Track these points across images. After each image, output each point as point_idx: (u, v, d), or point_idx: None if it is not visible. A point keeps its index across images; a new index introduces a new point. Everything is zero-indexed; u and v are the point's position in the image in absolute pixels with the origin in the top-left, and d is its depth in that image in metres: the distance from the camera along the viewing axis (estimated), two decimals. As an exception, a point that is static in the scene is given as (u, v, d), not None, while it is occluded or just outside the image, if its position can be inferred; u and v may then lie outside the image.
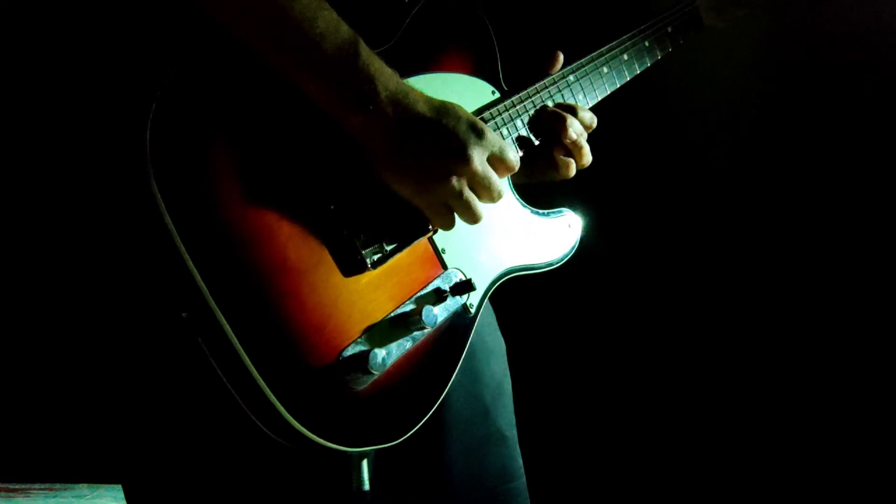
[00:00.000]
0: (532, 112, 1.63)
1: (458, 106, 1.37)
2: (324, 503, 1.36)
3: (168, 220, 1.11)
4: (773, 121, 2.62)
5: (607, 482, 3.11)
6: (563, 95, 1.70)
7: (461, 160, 1.32)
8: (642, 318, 3.07)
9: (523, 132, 1.61)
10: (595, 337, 3.10)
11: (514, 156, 1.41)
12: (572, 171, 1.65)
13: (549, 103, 1.66)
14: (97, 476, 3.12)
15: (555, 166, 1.64)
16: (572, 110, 1.64)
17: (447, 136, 1.32)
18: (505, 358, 1.78)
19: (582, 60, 1.76)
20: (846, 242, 2.70)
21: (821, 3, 2.46)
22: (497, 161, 1.39)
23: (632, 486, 3.09)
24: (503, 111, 1.58)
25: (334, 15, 1.25)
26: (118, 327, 1.29)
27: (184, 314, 1.14)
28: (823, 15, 2.44)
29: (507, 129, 1.58)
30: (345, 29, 1.26)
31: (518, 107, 1.61)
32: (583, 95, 1.74)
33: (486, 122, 1.53)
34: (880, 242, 2.64)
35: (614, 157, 1.87)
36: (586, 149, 1.63)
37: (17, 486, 3.22)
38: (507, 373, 1.76)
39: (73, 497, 3.16)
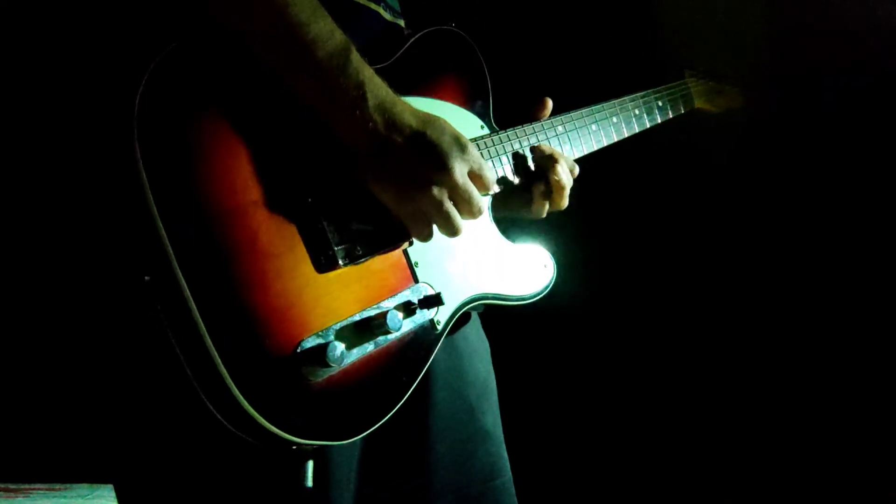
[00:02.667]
0: (520, 150, 1.58)
1: (444, 120, 1.32)
2: (266, 498, 1.25)
3: (145, 180, 1.06)
4: (770, 122, 2.52)
5: (594, 479, 2.96)
6: (549, 143, 1.64)
7: (442, 170, 1.27)
8: (631, 317, 2.95)
9: (508, 170, 1.55)
10: (581, 336, 2.98)
11: (491, 175, 1.35)
12: (544, 212, 1.59)
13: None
14: (97, 476, 3.00)
15: (529, 203, 1.58)
16: (559, 156, 1.59)
17: (430, 146, 1.27)
18: (489, 357, 1.69)
19: (572, 113, 1.71)
20: (846, 243, 2.56)
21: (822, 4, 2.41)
22: (476, 178, 1.33)
23: (619, 484, 2.94)
24: (490, 145, 1.53)
25: (330, 22, 1.22)
26: (89, 296, 1.22)
27: (147, 277, 1.07)
28: (825, 17, 2.38)
29: (492, 162, 1.53)
30: (339, 36, 1.22)
31: (505, 144, 1.56)
32: (569, 147, 1.68)
33: None
34: (880, 242, 2.51)
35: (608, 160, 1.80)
36: (567, 192, 1.57)
37: (17, 486, 3.11)
38: (492, 372, 1.68)
39: (73, 497, 3.04)
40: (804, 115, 2.50)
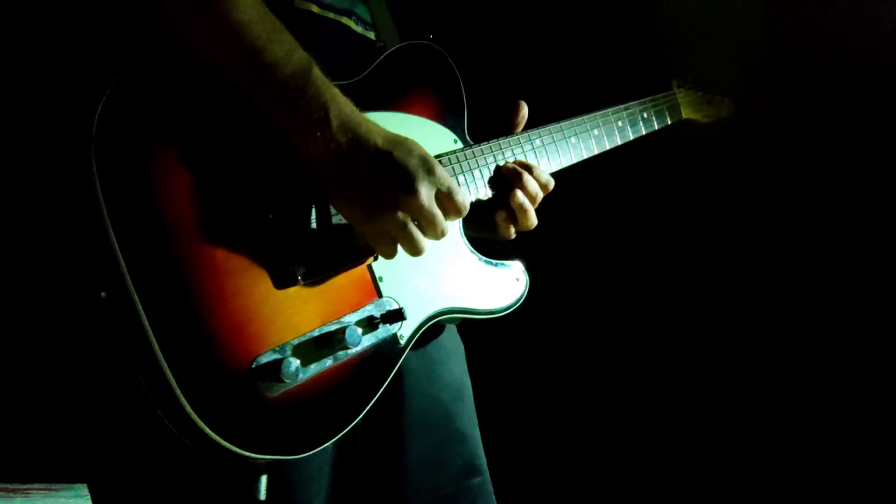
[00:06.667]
0: (492, 166, 1.57)
1: (413, 141, 1.31)
2: None
3: (101, 197, 1.08)
4: (765, 123, 2.49)
5: (575, 478, 2.96)
6: (525, 157, 1.63)
7: (408, 193, 1.26)
8: (613, 316, 2.93)
9: (480, 185, 1.54)
10: (560, 337, 2.98)
11: (462, 198, 1.34)
12: (512, 234, 1.57)
13: (510, 161, 1.60)
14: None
15: (494, 226, 1.56)
16: (529, 169, 1.57)
17: (396, 168, 1.26)
18: (464, 359, 1.70)
19: (551, 126, 1.70)
20: (846, 243, 2.54)
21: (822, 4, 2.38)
22: (445, 199, 1.32)
23: (600, 483, 2.93)
24: (462, 160, 1.53)
25: (288, 44, 1.22)
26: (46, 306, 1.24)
27: (103, 294, 1.09)
28: (824, 16, 2.35)
29: (465, 177, 1.52)
30: (297, 58, 1.22)
31: (479, 158, 1.55)
32: (546, 160, 1.67)
33: (442, 165, 1.47)
34: (880, 242, 2.48)
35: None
36: (531, 213, 1.54)
37: (16, 486, 3.12)
38: (467, 373, 1.69)
39: (72, 497, 3.06)
40: (800, 115, 2.47)
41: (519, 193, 1.52)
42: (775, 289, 2.67)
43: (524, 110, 1.66)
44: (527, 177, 1.54)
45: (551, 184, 1.60)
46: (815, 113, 2.44)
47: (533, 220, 1.55)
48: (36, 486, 3.10)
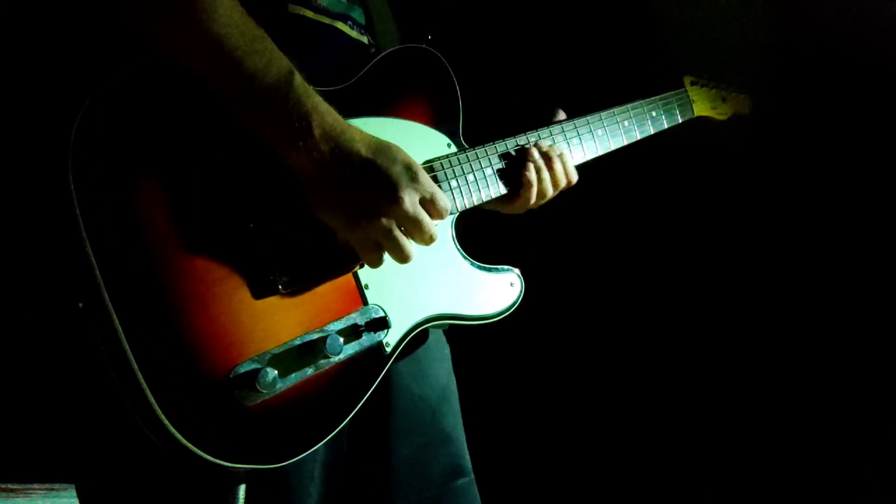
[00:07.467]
0: (487, 170, 1.55)
1: (397, 147, 1.30)
2: None
3: (76, 206, 1.08)
4: (770, 121, 2.43)
5: (561, 479, 2.95)
6: None
7: (392, 200, 1.26)
8: (602, 315, 2.90)
9: (473, 189, 1.52)
10: (545, 337, 2.95)
11: (444, 204, 1.34)
12: (532, 198, 1.60)
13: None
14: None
15: (519, 183, 1.58)
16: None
17: (380, 175, 1.26)
18: (449, 362, 1.71)
19: (551, 127, 1.67)
20: (846, 243, 2.49)
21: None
22: (429, 205, 1.31)
23: (587, 485, 2.91)
24: (455, 164, 1.50)
25: (268, 54, 1.20)
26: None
27: (80, 304, 1.09)
28: (825, 16, 2.30)
29: (457, 181, 1.50)
30: (276, 68, 1.20)
31: (472, 162, 1.53)
32: None
33: (434, 171, 1.47)
34: (879, 241, 2.43)
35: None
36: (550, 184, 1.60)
37: (17, 486, 3.14)
38: (452, 376, 1.70)
39: (73, 497, 3.08)
40: (802, 114, 2.41)
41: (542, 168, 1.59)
42: (771, 288, 2.61)
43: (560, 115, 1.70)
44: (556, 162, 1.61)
45: (574, 177, 1.65)
46: (815, 112, 2.38)
47: (550, 189, 1.62)
48: (36, 485, 3.12)
